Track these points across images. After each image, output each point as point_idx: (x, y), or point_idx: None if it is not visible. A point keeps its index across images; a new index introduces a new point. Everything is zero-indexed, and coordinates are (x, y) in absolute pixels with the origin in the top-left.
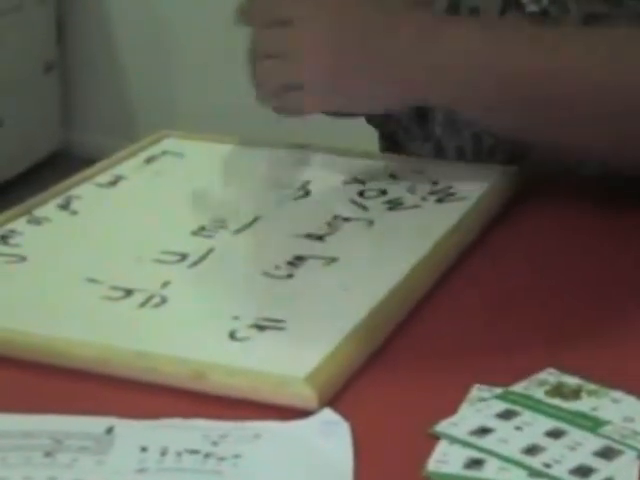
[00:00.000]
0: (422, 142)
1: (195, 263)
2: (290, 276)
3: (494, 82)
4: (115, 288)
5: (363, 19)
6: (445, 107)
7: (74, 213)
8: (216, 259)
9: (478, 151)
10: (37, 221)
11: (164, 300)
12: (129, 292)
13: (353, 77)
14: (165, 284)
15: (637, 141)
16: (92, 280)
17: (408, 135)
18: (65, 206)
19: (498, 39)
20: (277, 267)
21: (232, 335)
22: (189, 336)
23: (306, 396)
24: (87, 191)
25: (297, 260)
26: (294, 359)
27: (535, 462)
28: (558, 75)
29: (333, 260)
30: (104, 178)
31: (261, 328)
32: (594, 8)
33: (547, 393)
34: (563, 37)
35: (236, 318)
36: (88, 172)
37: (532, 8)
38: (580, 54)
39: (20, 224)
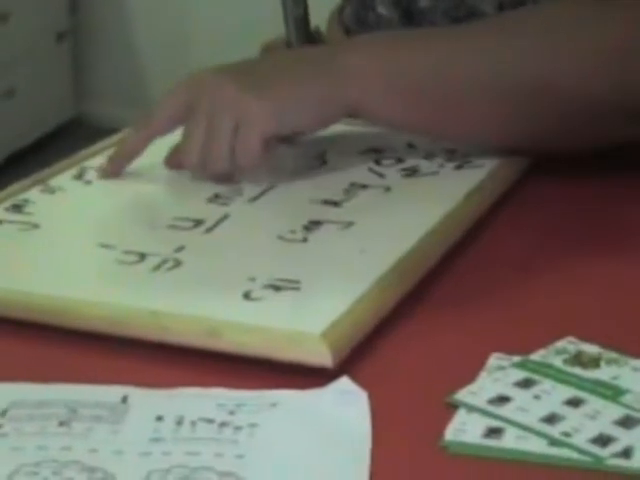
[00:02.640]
0: None
1: (210, 229)
2: (305, 240)
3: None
4: (128, 252)
5: (267, 59)
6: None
7: (88, 183)
8: (231, 225)
9: None
10: (51, 190)
11: (178, 263)
12: (143, 256)
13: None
14: (179, 249)
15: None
16: (105, 245)
17: None
18: (79, 176)
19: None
20: (292, 231)
21: (247, 295)
22: (203, 296)
23: (321, 353)
24: (101, 162)
25: (313, 225)
26: (309, 317)
27: (554, 431)
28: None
29: (349, 224)
30: None
31: (276, 288)
32: None
33: (566, 362)
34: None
35: (251, 279)
36: (102, 144)
37: None
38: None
39: (33, 194)
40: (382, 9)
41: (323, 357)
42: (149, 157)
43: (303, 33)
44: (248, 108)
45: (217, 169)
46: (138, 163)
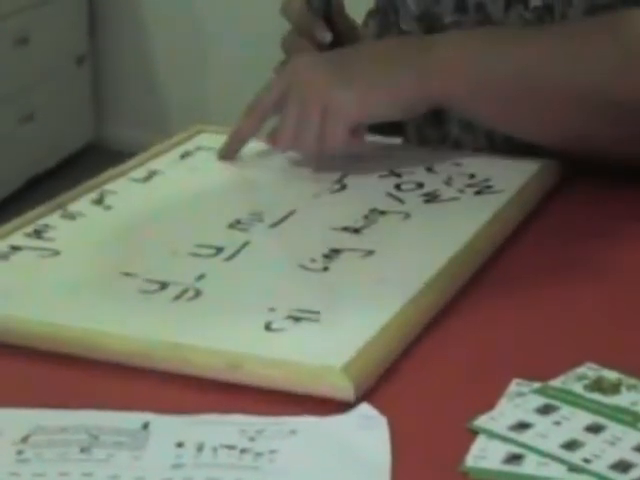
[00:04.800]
0: (437, 144)
1: (230, 256)
2: (326, 269)
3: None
4: (150, 281)
5: (354, 51)
6: (458, 106)
7: (108, 208)
8: (252, 252)
9: (492, 150)
10: (71, 216)
11: (199, 293)
12: (164, 285)
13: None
14: (200, 277)
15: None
16: (127, 274)
17: (421, 139)
18: (99, 201)
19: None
20: (313, 260)
21: (268, 326)
22: (224, 328)
23: (343, 387)
24: (121, 186)
25: (333, 253)
26: (330, 350)
27: (574, 457)
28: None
29: (369, 253)
30: (139, 173)
31: (297, 319)
32: (596, 0)
33: (586, 387)
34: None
35: (271, 310)
36: (122, 167)
37: (536, 3)
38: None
39: (53, 219)
40: (405, 25)
41: (345, 391)
42: (168, 182)
43: None
44: (335, 97)
45: (306, 151)
46: (160, 185)
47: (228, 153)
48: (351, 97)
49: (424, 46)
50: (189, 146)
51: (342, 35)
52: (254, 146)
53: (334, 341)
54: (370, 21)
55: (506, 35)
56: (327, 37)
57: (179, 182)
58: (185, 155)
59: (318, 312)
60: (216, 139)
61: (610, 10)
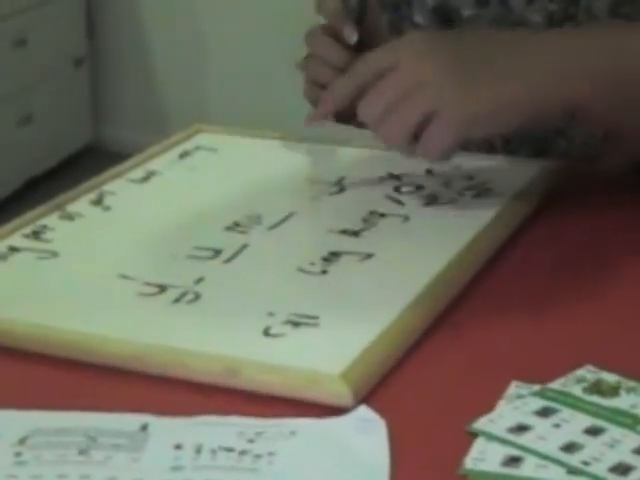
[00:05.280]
0: None
1: (229, 259)
2: (325, 272)
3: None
4: (148, 284)
5: (476, 41)
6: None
7: (107, 209)
8: (250, 255)
9: (507, 143)
10: (69, 217)
11: (198, 296)
12: (163, 288)
13: (492, 86)
14: (199, 280)
15: None
16: (125, 276)
17: None
18: (98, 202)
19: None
20: (312, 263)
21: (266, 331)
22: (223, 333)
23: (341, 393)
24: (120, 187)
25: (332, 256)
26: (328, 356)
27: (573, 460)
28: None
29: (368, 256)
30: (137, 174)
31: (295, 324)
32: None
33: (585, 390)
34: None
35: (270, 314)
36: (121, 168)
37: None
38: None
39: (52, 220)
40: (419, 18)
41: (343, 397)
42: (167, 182)
43: None
44: (454, 102)
45: (390, 141)
46: (159, 185)
47: (321, 112)
48: (472, 108)
49: (550, 47)
50: (188, 146)
51: (371, 42)
52: (253, 145)
53: (333, 347)
54: (382, 14)
55: (626, 32)
56: (353, 38)
57: (178, 183)
58: (184, 155)
59: (317, 317)
60: (215, 139)
61: (635, 4)
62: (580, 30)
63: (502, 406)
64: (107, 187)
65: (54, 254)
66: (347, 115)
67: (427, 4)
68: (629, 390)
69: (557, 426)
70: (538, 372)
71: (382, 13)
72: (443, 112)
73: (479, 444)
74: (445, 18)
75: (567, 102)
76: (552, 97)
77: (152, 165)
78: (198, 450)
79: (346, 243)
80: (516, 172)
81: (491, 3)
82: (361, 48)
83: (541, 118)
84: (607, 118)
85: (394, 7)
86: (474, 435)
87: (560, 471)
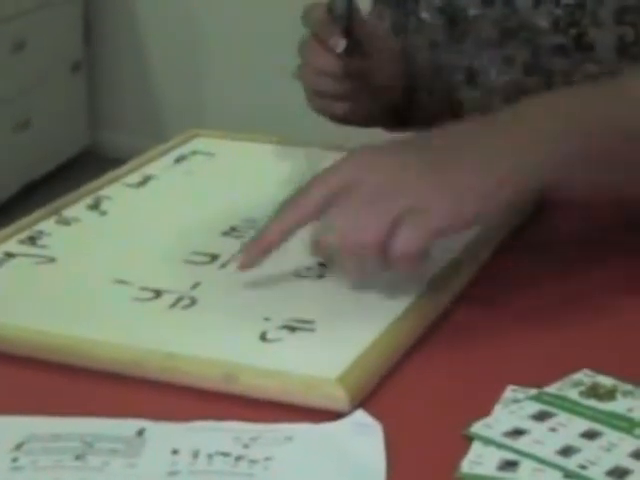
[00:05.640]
0: None
1: (225, 264)
2: (321, 276)
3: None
4: (144, 289)
5: (433, 139)
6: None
7: (103, 213)
8: None
9: None
10: (66, 221)
11: (194, 302)
12: (158, 293)
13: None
14: (195, 285)
15: None
16: (121, 281)
17: None
18: (94, 206)
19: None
20: (308, 268)
21: (263, 336)
22: (219, 338)
23: (337, 397)
24: (116, 191)
25: None
26: (325, 360)
27: (570, 463)
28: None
29: None
30: (134, 178)
31: (292, 329)
32: (627, 0)
33: (582, 394)
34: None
35: (267, 319)
36: (117, 172)
37: (568, 0)
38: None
39: (49, 225)
40: (426, 15)
41: (339, 402)
42: (163, 187)
43: (348, 2)
44: (429, 197)
45: (364, 253)
46: (155, 190)
47: (246, 261)
48: (448, 198)
49: (515, 121)
50: (184, 150)
51: (362, 45)
52: (250, 149)
53: (329, 351)
54: (386, 10)
55: (591, 93)
56: (340, 45)
57: (174, 187)
58: (180, 159)
59: (313, 322)
60: (212, 143)
61: (638, 13)
62: (544, 101)
63: (498, 410)
64: (103, 192)
65: (50, 259)
66: (344, 115)
67: (434, 2)
68: (625, 394)
69: (554, 430)
70: (534, 376)
71: (385, 9)
72: (419, 208)
73: (476, 448)
74: (452, 17)
75: (537, 179)
76: (523, 177)
77: (149, 170)
78: (195, 455)
79: None
80: None
81: (497, 3)
82: (353, 53)
83: (520, 201)
84: (590, 188)
85: (398, 3)
86: (471, 439)
87: (557, 475)
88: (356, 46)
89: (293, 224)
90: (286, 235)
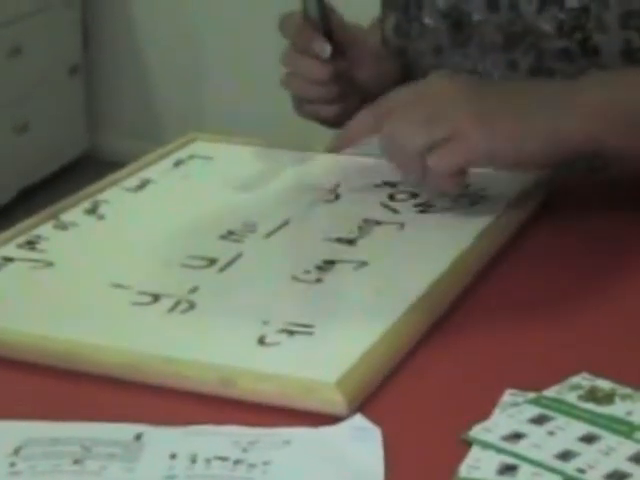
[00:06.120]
0: None
1: (223, 268)
2: (319, 280)
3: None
4: (143, 293)
5: (491, 85)
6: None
7: (101, 218)
8: (244, 264)
9: None
10: (64, 226)
11: (192, 306)
12: (156, 297)
13: (510, 119)
14: (193, 289)
15: None
16: (119, 286)
17: None
18: (92, 210)
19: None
20: (306, 272)
21: (261, 340)
22: (217, 342)
23: (336, 401)
24: (114, 195)
25: (327, 264)
26: (323, 364)
27: (569, 467)
28: None
29: (363, 264)
30: (132, 182)
31: (290, 333)
32: (632, 5)
33: (580, 397)
34: None
35: (265, 323)
36: (115, 176)
37: (572, 4)
38: None
39: (47, 229)
40: (429, 20)
41: (338, 406)
42: (161, 191)
43: (321, 6)
44: (470, 128)
45: (405, 160)
46: (153, 194)
47: (339, 145)
48: (489, 135)
49: (564, 90)
50: (182, 154)
51: (342, 45)
52: (248, 153)
53: (328, 355)
54: (390, 16)
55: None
56: (327, 50)
57: (172, 191)
58: (178, 163)
59: (312, 325)
60: (210, 147)
61: None
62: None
63: (497, 414)
64: (101, 196)
65: (48, 264)
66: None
67: (438, 6)
68: (624, 397)
69: (552, 434)
70: (533, 380)
71: (390, 15)
72: (459, 136)
73: (474, 452)
74: (456, 22)
75: (583, 141)
76: (572, 131)
77: (147, 173)
78: (193, 459)
79: (341, 251)
80: (511, 181)
81: (502, 8)
82: (336, 55)
83: (554, 154)
84: (622, 149)
85: (402, 8)
86: (469, 443)
87: (555, 479)
88: (337, 47)
89: (370, 121)
90: (365, 128)
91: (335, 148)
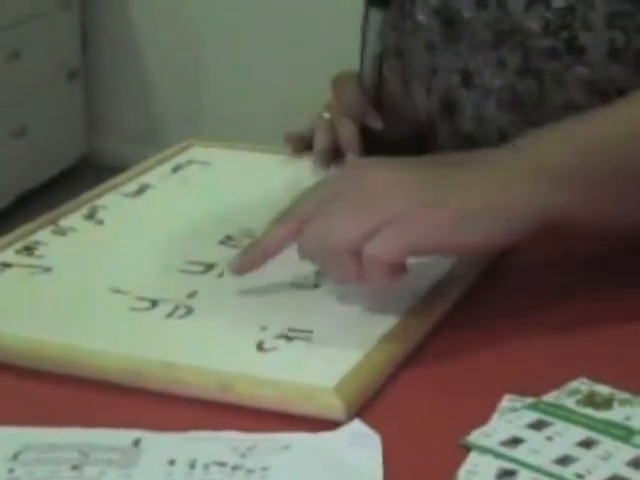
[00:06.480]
0: (447, 137)
1: (222, 274)
2: (317, 286)
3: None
4: (141, 299)
5: (426, 163)
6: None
7: (100, 223)
8: None
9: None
10: (62, 231)
11: (190, 311)
12: (155, 303)
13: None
14: (191, 295)
15: None
16: (118, 291)
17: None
18: (90, 216)
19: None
20: (305, 277)
21: (259, 346)
22: (216, 347)
23: (334, 407)
24: (113, 201)
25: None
26: (322, 370)
27: (567, 473)
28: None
29: None
30: (130, 187)
31: (289, 338)
32: (618, 6)
33: (579, 402)
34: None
35: (263, 328)
36: (114, 181)
37: (558, 4)
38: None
39: (45, 234)
40: (422, 17)
41: (336, 411)
42: (160, 196)
43: (377, 71)
44: (413, 211)
45: (335, 260)
46: (151, 199)
47: (242, 266)
48: (441, 215)
49: (514, 153)
50: (181, 159)
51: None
52: (246, 158)
53: (326, 361)
54: (384, 13)
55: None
56: (378, 126)
57: (170, 196)
58: (177, 168)
59: (310, 331)
60: (208, 152)
61: (629, 18)
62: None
63: (495, 419)
64: (100, 201)
65: (47, 269)
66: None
67: (430, 3)
68: (623, 402)
69: (550, 439)
70: (531, 385)
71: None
72: (402, 218)
73: (473, 457)
74: (447, 19)
75: (539, 210)
76: (528, 203)
77: (145, 179)
78: (191, 465)
79: None
80: None
81: (490, 6)
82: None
83: (516, 231)
84: (598, 222)
85: (397, 5)
86: (468, 448)
87: None
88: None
89: (288, 234)
90: (282, 243)
91: (239, 269)
